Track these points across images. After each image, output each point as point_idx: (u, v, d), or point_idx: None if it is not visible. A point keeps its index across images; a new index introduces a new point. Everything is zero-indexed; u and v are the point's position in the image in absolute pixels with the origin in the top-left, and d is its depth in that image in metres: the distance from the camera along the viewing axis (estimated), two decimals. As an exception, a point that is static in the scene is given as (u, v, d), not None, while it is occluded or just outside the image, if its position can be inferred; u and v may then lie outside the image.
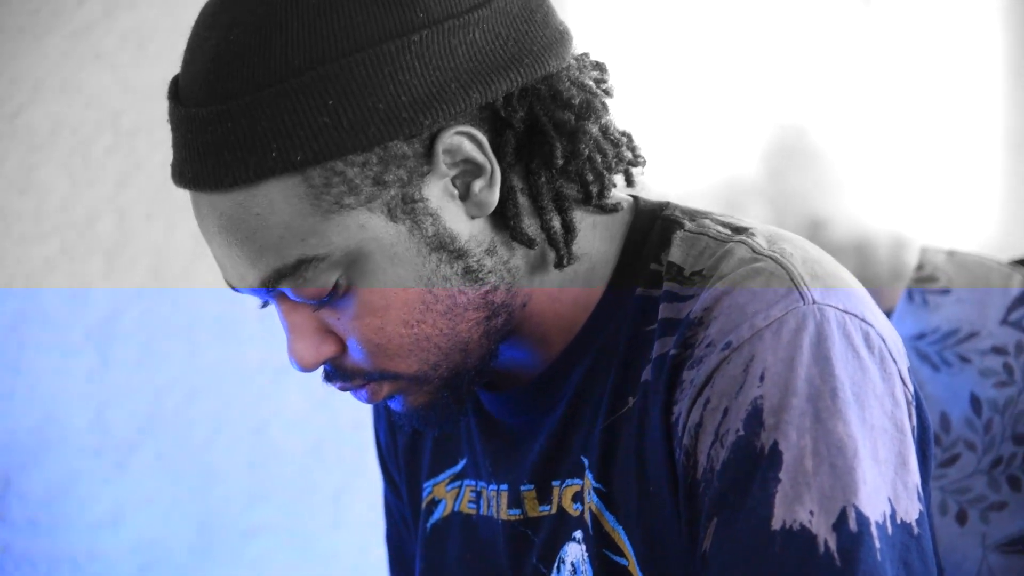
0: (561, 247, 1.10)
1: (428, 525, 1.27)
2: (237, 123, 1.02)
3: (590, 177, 1.10)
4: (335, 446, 2.00)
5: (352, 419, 1.99)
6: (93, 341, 1.85)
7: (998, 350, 1.47)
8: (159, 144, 1.78)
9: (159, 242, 1.86)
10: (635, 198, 1.16)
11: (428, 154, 1.04)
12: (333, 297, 1.06)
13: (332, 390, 2.02)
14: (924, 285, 1.55)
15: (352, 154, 1.03)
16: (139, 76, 1.82)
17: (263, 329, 1.87)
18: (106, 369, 1.86)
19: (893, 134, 3.18)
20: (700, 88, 2.79)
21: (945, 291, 1.54)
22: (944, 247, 1.60)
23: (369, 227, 1.05)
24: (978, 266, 1.54)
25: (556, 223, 1.10)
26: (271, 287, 1.06)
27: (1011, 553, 1.44)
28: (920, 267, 1.56)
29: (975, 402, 1.46)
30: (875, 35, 3.14)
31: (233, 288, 1.10)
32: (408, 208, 1.05)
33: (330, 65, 1.01)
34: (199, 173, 1.04)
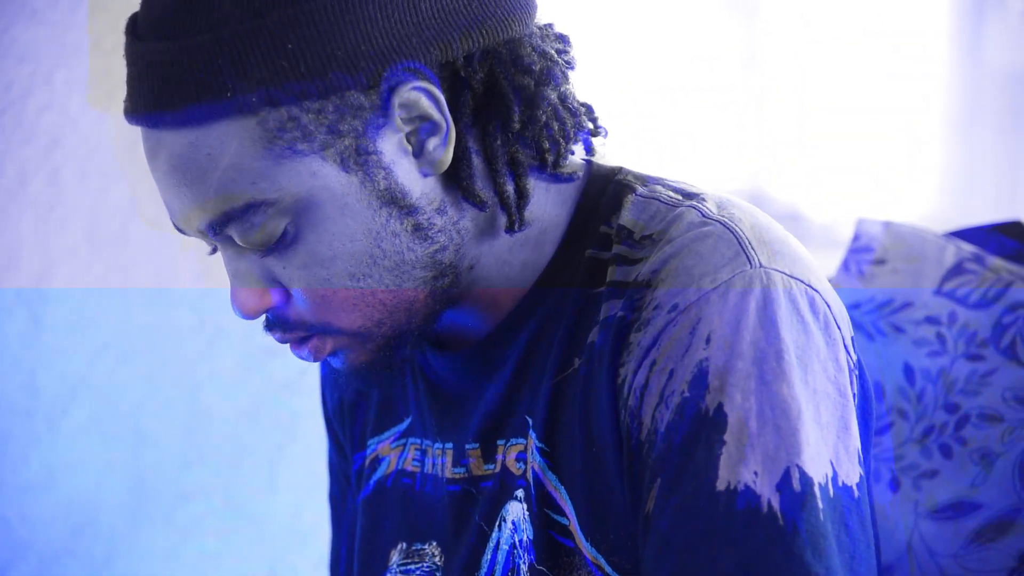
0: (513, 211, 1.10)
1: (371, 482, 1.27)
2: (194, 60, 1.02)
3: (546, 144, 1.11)
4: (269, 409, 2.00)
5: (286, 382, 1.98)
6: (25, 301, 1.83)
7: (932, 320, 1.48)
8: (93, 102, 1.76)
9: (92, 203, 1.84)
10: (589, 163, 1.16)
11: (384, 107, 1.05)
12: (280, 245, 1.06)
13: (267, 354, 2.01)
14: (860, 255, 1.56)
15: (308, 100, 1.02)
16: (73, 33, 1.80)
17: (197, 291, 1.86)
18: (38, 330, 1.84)
19: (831, 106, 3.19)
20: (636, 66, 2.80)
21: (880, 261, 1.54)
22: (880, 218, 1.61)
23: (320, 175, 1.04)
24: (913, 237, 1.55)
25: (509, 187, 1.10)
26: (218, 231, 1.06)
27: (942, 520, 1.46)
28: (856, 238, 1.57)
29: (908, 371, 1.47)
30: (816, 6, 3.15)
31: (180, 231, 1.09)
32: (361, 160, 1.05)
33: (291, 8, 1.01)
34: (152, 109, 1.04)
